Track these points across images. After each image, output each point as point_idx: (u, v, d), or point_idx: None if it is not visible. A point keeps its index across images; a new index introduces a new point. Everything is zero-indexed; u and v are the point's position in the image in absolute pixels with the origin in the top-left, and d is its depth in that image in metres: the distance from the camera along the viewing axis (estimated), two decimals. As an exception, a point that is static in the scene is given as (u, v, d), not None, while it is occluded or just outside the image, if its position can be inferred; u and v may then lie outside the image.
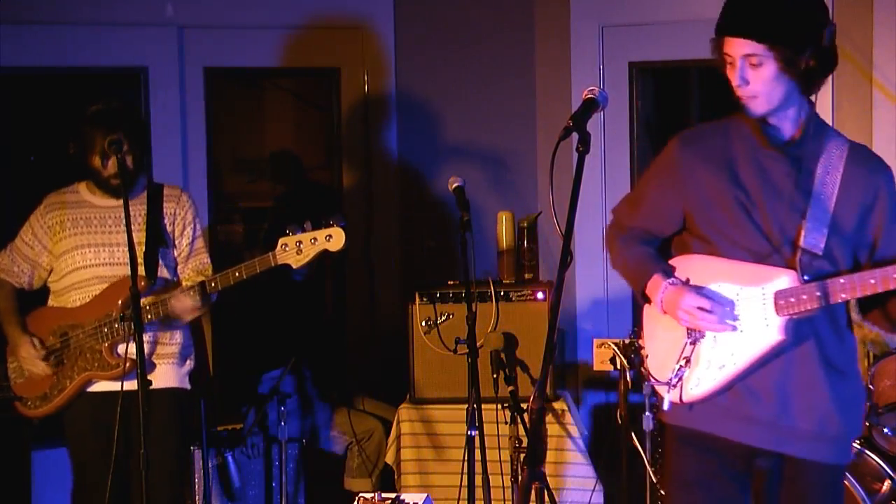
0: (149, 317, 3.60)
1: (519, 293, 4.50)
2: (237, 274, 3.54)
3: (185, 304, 3.61)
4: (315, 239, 3.48)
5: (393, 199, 5.18)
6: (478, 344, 3.86)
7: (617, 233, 2.91)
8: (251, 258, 3.56)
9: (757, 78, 2.56)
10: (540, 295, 4.47)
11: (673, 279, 2.70)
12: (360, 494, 3.30)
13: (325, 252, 3.49)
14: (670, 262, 2.78)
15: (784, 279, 2.56)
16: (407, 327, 4.51)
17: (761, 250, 2.61)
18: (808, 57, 2.56)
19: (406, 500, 3.28)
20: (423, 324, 4.48)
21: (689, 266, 2.72)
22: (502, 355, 4.22)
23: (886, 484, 3.79)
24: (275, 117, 6.30)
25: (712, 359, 2.64)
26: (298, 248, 3.48)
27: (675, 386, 2.68)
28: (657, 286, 2.71)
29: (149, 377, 3.54)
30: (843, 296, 2.50)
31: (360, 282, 5.20)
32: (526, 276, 4.64)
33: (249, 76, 5.76)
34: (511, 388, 4.07)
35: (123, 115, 3.69)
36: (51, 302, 3.83)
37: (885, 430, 3.85)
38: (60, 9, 4.87)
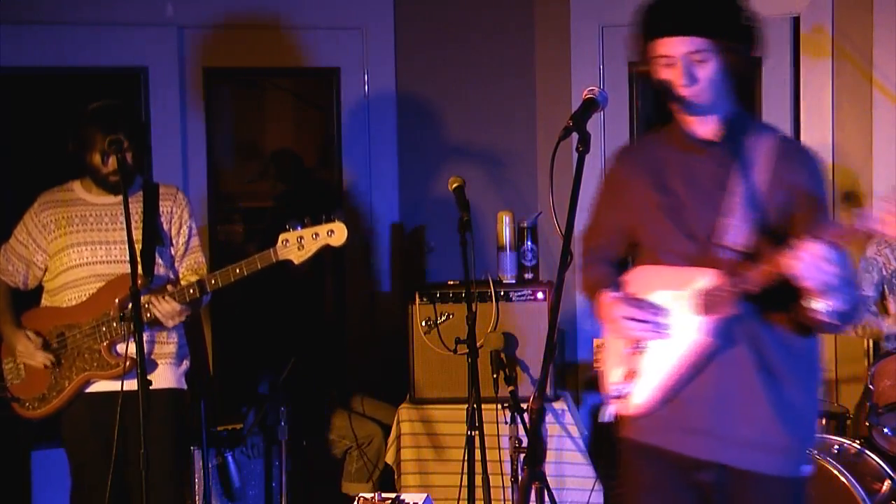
0: (148, 315, 3.59)
1: (519, 293, 4.50)
2: (238, 271, 3.53)
3: (163, 308, 3.58)
4: (317, 234, 3.47)
5: (393, 199, 5.19)
6: (478, 344, 3.86)
7: (581, 258, 2.92)
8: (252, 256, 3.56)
9: (703, 75, 2.54)
10: (540, 295, 4.48)
11: (615, 292, 2.69)
12: (360, 495, 3.30)
13: (327, 247, 3.48)
14: (624, 277, 2.78)
15: (705, 279, 2.53)
16: (407, 327, 4.52)
17: (691, 253, 2.59)
18: (747, 49, 2.56)
19: (406, 500, 3.28)
20: (423, 324, 4.48)
21: (634, 278, 2.73)
22: (502, 355, 4.23)
23: (886, 484, 3.79)
24: (275, 117, 6.30)
25: (650, 368, 2.62)
26: (300, 244, 3.47)
27: (621, 398, 2.66)
28: (602, 301, 2.72)
29: (148, 377, 3.55)
30: (750, 287, 2.43)
31: (360, 282, 5.20)
32: (526, 276, 4.65)
33: (249, 76, 5.76)
34: (511, 388, 4.07)
35: (123, 114, 3.69)
36: (44, 301, 3.82)
37: (885, 430, 3.85)
38: (60, 9, 4.87)
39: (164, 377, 3.74)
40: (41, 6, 4.86)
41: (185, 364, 3.84)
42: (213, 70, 5.11)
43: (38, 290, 3.87)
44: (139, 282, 3.48)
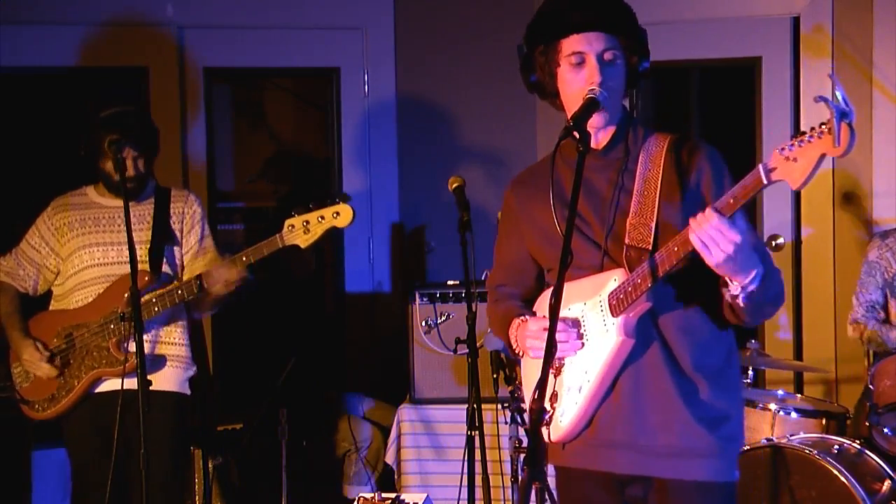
0: (156, 309, 3.59)
1: (519, 293, 4.49)
2: (244, 258, 3.52)
3: (221, 274, 3.53)
4: (322, 217, 3.46)
5: (393, 199, 5.19)
6: (478, 344, 3.86)
7: (488, 300, 2.86)
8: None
9: (614, 74, 2.51)
10: (540, 295, 4.47)
11: (524, 316, 2.63)
12: (361, 495, 3.30)
13: (333, 229, 3.47)
14: (534, 307, 2.71)
15: (615, 279, 2.47)
16: (407, 327, 4.51)
17: (598, 262, 2.53)
18: (643, 59, 2.56)
19: (406, 500, 3.28)
20: (423, 324, 4.48)
21: (542, 302, 2.67)
22: (502, 355, 4.22)
23: (886, 484, 3.78)
24: (275, 117, 6.31)
25: (571, 384, 2.54)
26: (305, 228, 3.46)
27: (546, 424, 2.55)
28: (513, 329, 2.67)
29: (152, 377, 3.56)
30: (659, 272, 2.36)
31: (360, 282, 5.20)
32: (526, 276, 4.64)
33: (249, 76, 5.76)
34: (511, 388, 4.07)
35: (135, 120, 3.69)
36: (53, 305, 3.82)
37: (885, 430, 3.85)
38: (60, 9, 4.88)
39: (169, 380, 3.74)
40: (41, 6, 4.86)
41: (192, 370, 3.84)
42: (213, 70, 5.11)
43: (46, 295, 3.87)
44: (146, 279, 3.53)
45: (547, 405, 2.51)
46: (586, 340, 2.52)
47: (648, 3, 4.99)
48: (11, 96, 4.93)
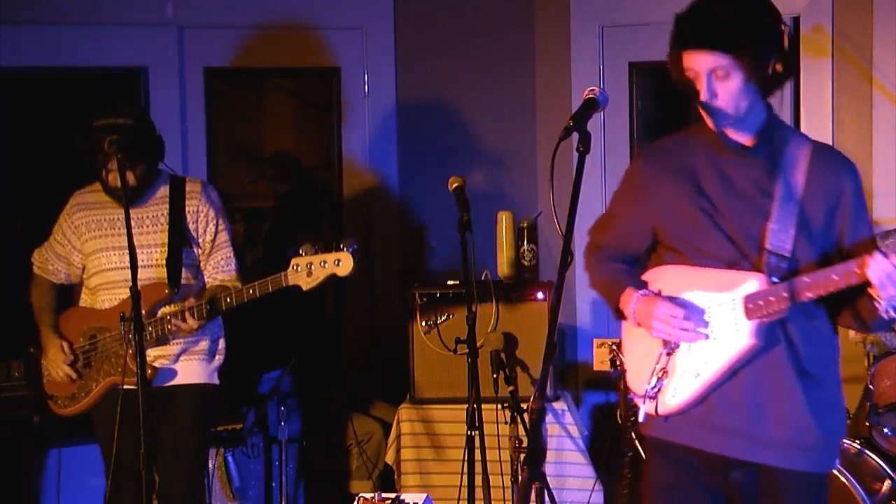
0: (169, 327, 3.61)
1: (519, 293, 4.50)
2: (251, 292, 3.58)
3: (185, 327, 3.62)
4: (325, 262, 3.50)
5: (393, 199, 5.19)
6: (478, 344, 3.87)
7: (591, 253, 2.91)
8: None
9: (725, 90, 2.55)
10: (540, 295, 4.47)
11: (645, 291, 2.68)
12: (360, 495, 3.30)
13: (333, 276, 3.51)
14: (643, 276, 2.76)
15: (753, 282, 2.54)
16: (407, 327, 4.52)
17: (729, 256, 2.60)
18: (774, 63, 2.56)
19: (406, 500, 3.28)
20: (423, 324, 4.48)
21: (660, 278, 2.71)
22: (502, 355, 4.23)
23: (886, 484, 3.79)
24: (275, 117, 6.30)
25: (687, 368, 2.62)
26: (309, 270, 3.51)
27: (652, 398, 2.66)
28: (629, 298, 2.69)
29: (178, 373, 3.70)
30: (809, 294, 2.47)
31: (360, 282, 5.20)
32: (526, 276, 4.64)
33: (249, 76, 5.76)
34: (511, 388, 4.07)
35: (128, 133, 3.63)
36: (83, 298, 3.87)
37: (885, 430, 3.85)
38: (60, 9, 4.88)
39: (193, 373, 3.77)
40: (41, 6, 4.86)
41: (218, 359, 3.86)
42: (213, 70, 5.11)
43: (76, 289, 3.92)
44: (165, 292, 3.63)
45: (654, 380, 2.64)
46: (712, 333, 2.59)
47: (648, 3, 5.01)
48: (11, 96, 4.92)
